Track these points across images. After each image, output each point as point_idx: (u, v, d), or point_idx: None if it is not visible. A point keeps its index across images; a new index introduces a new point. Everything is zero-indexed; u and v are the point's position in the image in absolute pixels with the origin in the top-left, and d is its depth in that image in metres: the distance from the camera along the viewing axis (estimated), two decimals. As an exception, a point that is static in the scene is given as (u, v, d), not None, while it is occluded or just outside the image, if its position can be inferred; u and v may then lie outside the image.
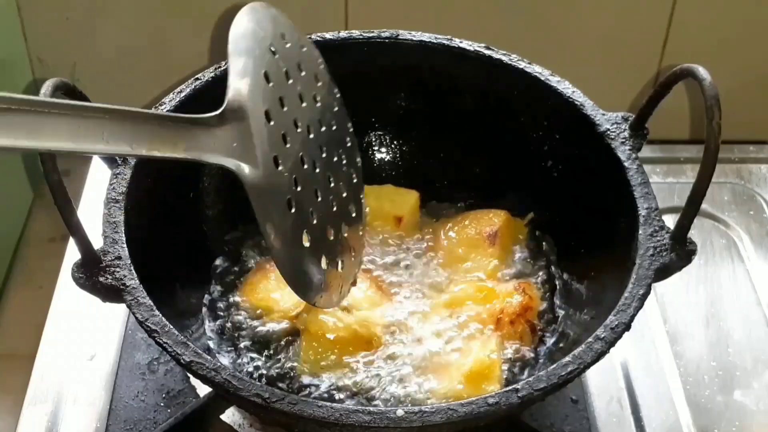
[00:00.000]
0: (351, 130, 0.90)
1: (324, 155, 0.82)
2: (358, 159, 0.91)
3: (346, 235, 0.84)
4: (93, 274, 0.78)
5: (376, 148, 1.10)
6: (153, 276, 0.81)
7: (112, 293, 0.79)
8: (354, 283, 0.88)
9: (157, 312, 0.77)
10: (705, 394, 1.00)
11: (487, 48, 1.00)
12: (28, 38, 1.26)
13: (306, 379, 0.90)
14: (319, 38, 1.00)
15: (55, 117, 0.61)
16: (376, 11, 1.23)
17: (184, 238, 0.97)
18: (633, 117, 0.92)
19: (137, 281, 0.78)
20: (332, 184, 0.83)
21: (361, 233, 0.89)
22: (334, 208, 0.83)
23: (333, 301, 0.83)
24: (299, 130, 0.79)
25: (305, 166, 0.78)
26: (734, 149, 1.28)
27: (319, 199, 0.80)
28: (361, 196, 0.90)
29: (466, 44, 1.00)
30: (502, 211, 1.02)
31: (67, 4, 1.22)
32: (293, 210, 0.74)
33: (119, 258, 0.80)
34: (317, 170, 0.80)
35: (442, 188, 1.07)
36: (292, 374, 0.91)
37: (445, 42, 1.01)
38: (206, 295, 0.98)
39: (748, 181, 1.24)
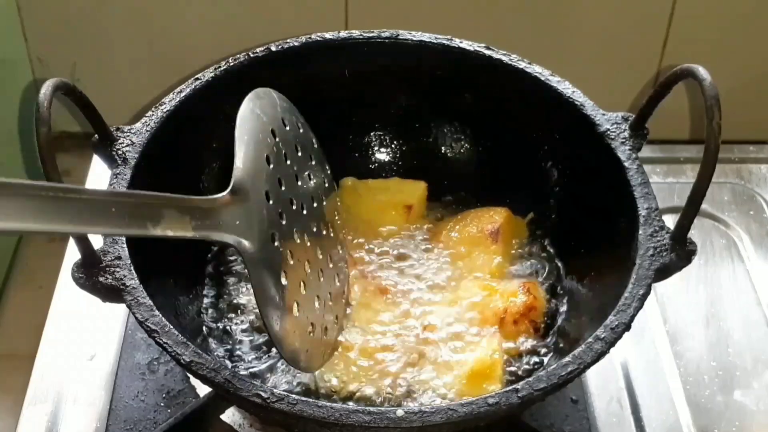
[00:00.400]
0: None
1: (314, 229, 0.90)
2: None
3: (330, 304, 0.90)
4: (93, 274, 0.79)
5: (376, 148, 1.10)
6: (153, 276, 0.81)
7: (112, 293, 0.79)
8: (335, 350, 0.91)
9: (156, 312, 0.77)
10: (705, 394, 1.00)
11: (487, 48, 1.00)
12: (28, 38, 1.26)
13: (322, 383, 0.90)
14: (319, 38, 1.00)
15: (80, 203, 0.64)
16: (376, 11, 1.23)
17: (185, 238, 0.97)
18: (633, 117, 0.92)
19: (137, 281, 0.79)
20: (320, 257, 0.90)
21: (343, 301, 0.94)
22: (321, 279, 0.89)
23: (314, 366, 0.88)
24: (294, 207, 0.86)
25: (298, 241, 0.85)
26: (734, 149, 1.28)
27: (308, 271, 0.86)
28: (345, 266, 0.97)
29: (466, 44, 1.00)
30: (503, 208, 1.02)
31: (67, 4, 1.22)
32: (285, 282, 0.80)
33: (119, 258, 0.80)
34: (308, 244, 0.87)
35: (443, 188, 1.07)
36: (306, 379, 0.91)
37: (445, 42, 1.01)
38: (206, 297, 0.98)
39: (748, 181, 1.24)
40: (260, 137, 0.83)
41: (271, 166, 0.83)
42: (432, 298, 0.96)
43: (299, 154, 0.90)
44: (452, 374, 0.89)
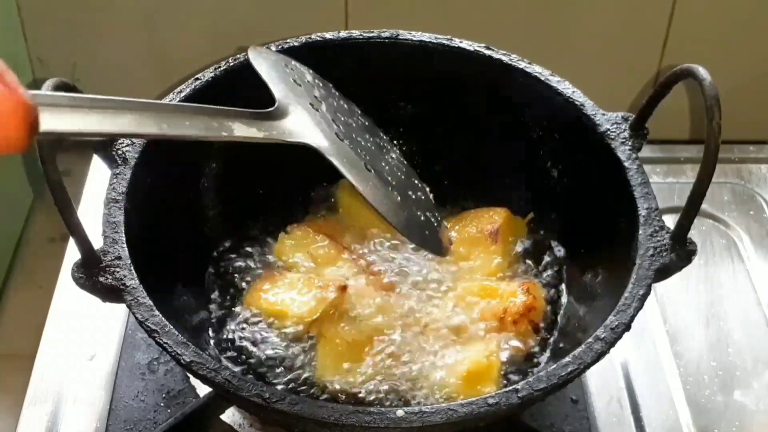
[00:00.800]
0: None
1: (368, 136, 0.91)
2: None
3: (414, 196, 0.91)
4: (93, 274, 0.78)
5: (376, 148, 1.10)
6: (153, 276, 0.81)
7: (112, 293, 0.79)
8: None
9: (157, 312, 0.77)
10: (705, 394, 1.01)
11: (487, 48, 1.00)
12: (28, 38, 1.25)
13: (322, 384, 0.90)
14: (319, 38, 1.00)
15: (175, 114, 0.70)
16: (376, 11, 1.23)
17: (184, 238, 0.97)
18: (633, 117, 0.92)
19: (137, 281, 0.78)
20: (387, 156, 0.92)
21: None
22: (399, 174, 0.90)
23: (442, 248, 0.91)
24: (340, 118, 0.87)
25: (361, 142, 0.87)
26: (734, 149, 1.28)
27: (385, 165, 0.88)
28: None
29: (466, 44, 1.00)
30: (503, 209, 1.02)
31: (67, 4, 1.22)
32: (372, 172, 0.83)
33: (119, 258, 0.80)
34: (371, 147, 0.89)
35: (443, 189, 1.07)
36: (309, 381, 0.91)
37: (445, 42, 1.01)
38: (207, 296, 0.98)
39: (748, 181, 1.24)
40: (281, 67, 0.87)
41: (301, 86, 0.86)
42: (432, 298, 0.96)
43: (317, 83, 0.91)
44: (449, 375, 0.89)
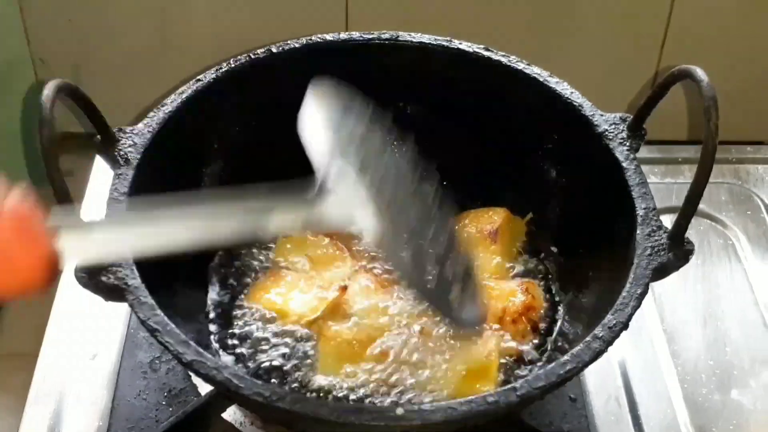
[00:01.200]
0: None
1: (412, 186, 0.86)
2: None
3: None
4: (95, 274, 0.79)
5: (375, 148, 1.10)
6: (155, 275, 0.82)
7: (114, 293, 0.79)
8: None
9: (159, 311, 0.77)
10: (702, 392, 1.01)
11: (486, 49, 1.00)
12: (31, 40, 1.26)
13: (322, 383, 0.91)
14: (319, 39, 1.01)
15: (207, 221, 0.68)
16: (377, 12, 1.23)
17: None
18: (631, 118, 0.93)
19: (139, 281, 0.79)
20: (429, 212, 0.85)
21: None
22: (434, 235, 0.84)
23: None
24: (385, 175, 0.81)
25: (400, 203, 0.81)
26: (732, 150, 1.28)
27: (427, 230, 0.82)
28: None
29: (466, 45, 1.01)
30: (502, 209, 1.03)
31: (69, 5, 1.23)
32: (410, 251, 0.78)
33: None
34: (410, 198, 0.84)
35: (441, 190, 1.08)
36: (310, 380, 0.91)
37: (444, 43, 1.01)
38: (209, 297, 0.99)
39: (745, 182, 1.25)
40: (338, 118, 0.82)
41: (355, 143, 0.80)
42: None
43: (372, 132, 0.86)
44: (448, 374, 0.90)
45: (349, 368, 0.91)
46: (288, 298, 0.96)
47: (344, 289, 0.95)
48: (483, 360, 0.90)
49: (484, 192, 1.06)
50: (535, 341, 0.94)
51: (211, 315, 0.97)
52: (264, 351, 0.94)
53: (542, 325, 0.96)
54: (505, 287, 0.97)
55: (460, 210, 1.06)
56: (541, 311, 0.96)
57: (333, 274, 0.98)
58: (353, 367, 0.91)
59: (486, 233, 1.01)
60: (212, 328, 0.96)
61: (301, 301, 0.96)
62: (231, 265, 1.02)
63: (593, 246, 0.96)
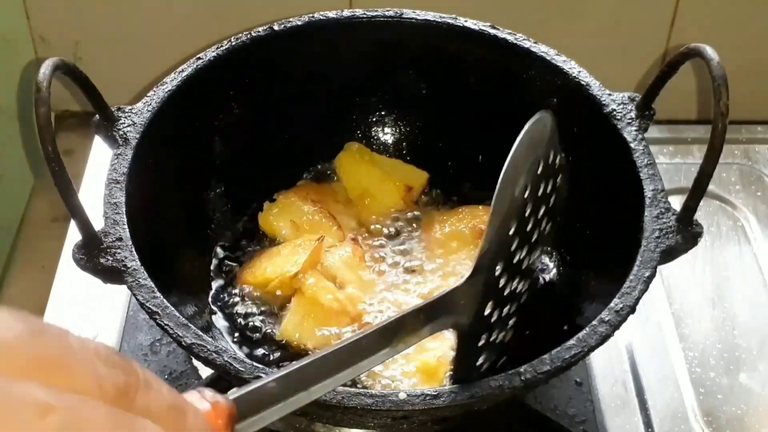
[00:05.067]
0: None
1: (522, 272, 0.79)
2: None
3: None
4: (94, 256, 0.78)
5: (379, 128, 1.09)
6: (154, 257, 0.81)
7: (113, 275, 0.78)
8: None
9: (158, 294, 0.77)
10: (710, 376, 1.00)
11: (493, 27, 0.99)
12: (31, 17, 1.25)
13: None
14: (322, 17, 0.99)
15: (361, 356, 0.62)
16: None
17: (186, 220, 0.97)
18: (639, 97, 0.91)
19: (138, 262, 0.78)
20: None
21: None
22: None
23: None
24: (517, 264, 0.77)
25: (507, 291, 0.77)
26: (742, 130, 1.27)
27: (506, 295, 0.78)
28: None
29: (471, 23, 0.99)
30: None
31: (69, -18, 1.22)
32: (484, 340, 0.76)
33: (120, 239, 0.79)
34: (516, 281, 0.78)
35: (445, 173, 1.06)
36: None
37: (449, 21, 1.00)
38: (213, 277, 0.98)
39: (755, 162, 1.23)
40: (515, 198, 0.73)
41: (516, 237, 0.74)
42: (408, 283, 0.96)
43: (546, 187, 0.79)
44: (407, 364, 0.89)
45: (316, 331, 0.91)
46: (267, 266, 0.96)
47: (320, 239, 0.95)
48: (432, 360, 0.89)
49: (487, 174, 1.04)
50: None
51: (213, 295, 0.97)
52: (259, 328, 0.94)
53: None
54: None
55: (460, 194, 1.05)
56: None
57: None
58: (320, 331, 0.91)
59: (478, 231, 0.99)
60: (214, 308, 0.96)
61: (279, 263, 0.96)
62: (233, 245, 1.01)
63: (600, 228, 0.95)
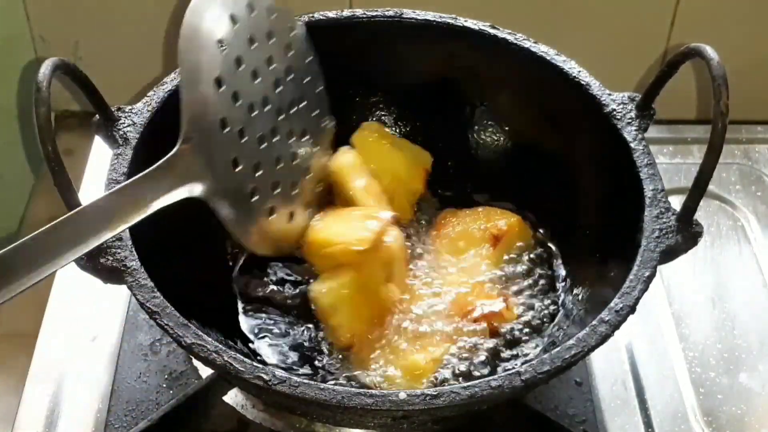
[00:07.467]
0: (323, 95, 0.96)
1: (288, 131, 0.89)
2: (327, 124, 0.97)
3: (299, 191, 0.90)
4: (94, 256, 0.78)
5: (380, 128, 1.09)
6: (154, 257, 0.81)
7: (112, 274, 0.78)
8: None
9: (158, 293, 0.77)
10: (710, 376, 1.00)
11: (492, 27, 0.99)
12: (30, 16, 1.25)
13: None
14: (322, 17, 0.99)
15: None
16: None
17: (186, 218, 0.96)
18: (639, 97, 0.91)
19: (138, 262, 0.78)
20: (294, 160, 0.90)
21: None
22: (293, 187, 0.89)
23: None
24: (258, 111, 0.84)
25: (265, 144, 0.85)
26: (742, 129, 1.27)
27: (281, 165, 0.87)
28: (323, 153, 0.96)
29: (471, 23, 0.99)
30: (515, 216, 1.00)
31: (69, -18, 1.22)
32: (254, 199, 0.83)
33: (120, 239, 0.79)
34: (277, 141, 0.87)
35: (445, 173, 1.06)
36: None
37: (449, 21, 1.00)
38: (210, 274, 0.98)
39: (755, 162, 1.23)
40: (207, 52, 0.80)
41: (222, 87, 0.80)
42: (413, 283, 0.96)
43: (272, 41, 0.86)
44: (395, 363, 0.89)
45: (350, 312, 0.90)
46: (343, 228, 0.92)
47: (395, 219, 0.92)
48: (420, 363, 0.89)
49: (486, 174, 1.05)
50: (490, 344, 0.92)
51: (219, 295, 0.97)
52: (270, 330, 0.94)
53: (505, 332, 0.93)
54: (486, 293, 0.95)
55: (463, 196, 1.04)
56: (513, 321, 0.94)
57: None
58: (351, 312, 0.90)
59: (489, 235, 0.98)
60: (219, 308, 0.96)
61: (349, 231, 0.91)
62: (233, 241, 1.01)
63: (599, 227, 0.95)
